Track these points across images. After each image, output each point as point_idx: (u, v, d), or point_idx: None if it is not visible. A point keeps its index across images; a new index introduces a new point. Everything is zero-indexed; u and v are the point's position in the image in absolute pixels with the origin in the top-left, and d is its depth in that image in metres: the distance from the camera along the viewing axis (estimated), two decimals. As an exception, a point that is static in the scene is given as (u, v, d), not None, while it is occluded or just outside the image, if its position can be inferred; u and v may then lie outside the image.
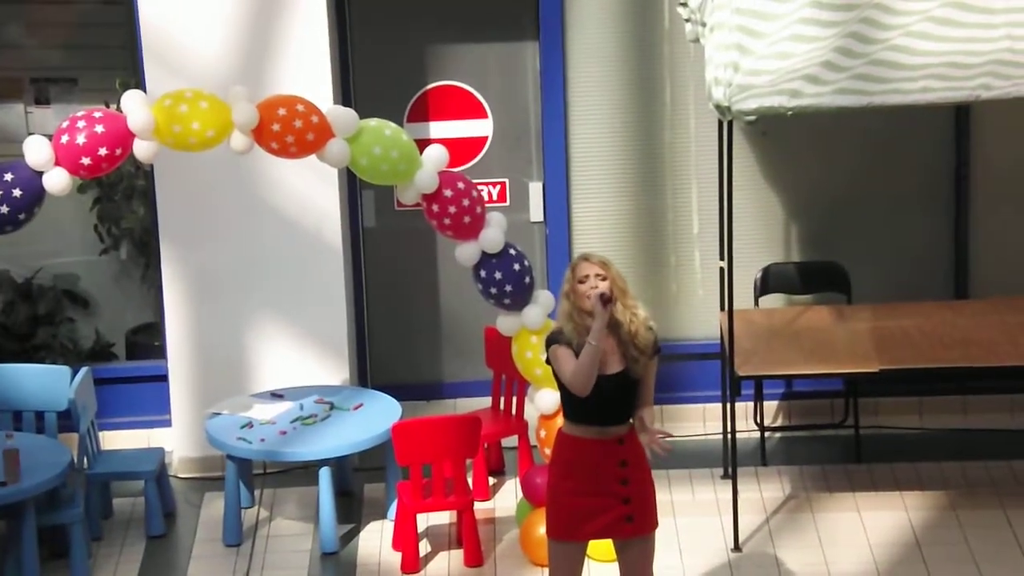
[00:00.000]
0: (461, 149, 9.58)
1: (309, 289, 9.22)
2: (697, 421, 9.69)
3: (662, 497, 7.18)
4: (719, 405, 9.10)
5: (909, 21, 7.91)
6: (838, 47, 7.82)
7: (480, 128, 9.64)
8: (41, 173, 7.64)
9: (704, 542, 8.40)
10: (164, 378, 9.44)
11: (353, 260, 9.58)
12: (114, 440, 9.42)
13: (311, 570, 8.38)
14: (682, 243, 9.72)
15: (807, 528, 8.52)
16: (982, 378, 9.12)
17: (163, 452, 8.99)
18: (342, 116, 7.87)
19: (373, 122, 7.97)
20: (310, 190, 9.13)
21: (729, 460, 8.69)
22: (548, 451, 7.92)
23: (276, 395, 9.01)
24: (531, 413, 8.56)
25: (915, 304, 9.19)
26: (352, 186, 9.54)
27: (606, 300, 6.70)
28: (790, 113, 7.69)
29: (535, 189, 9.70)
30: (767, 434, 9.44)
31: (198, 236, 9.18)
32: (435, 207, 8.04)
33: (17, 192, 7.60)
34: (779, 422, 9.70)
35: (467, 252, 8.12)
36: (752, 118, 7.76)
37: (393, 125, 7.99)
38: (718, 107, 7.79)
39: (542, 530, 7.24)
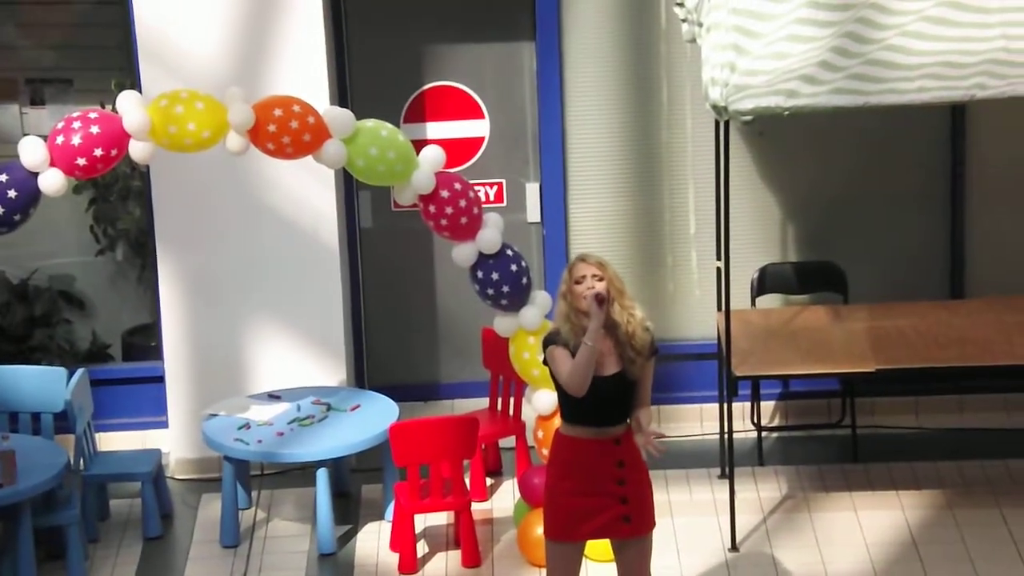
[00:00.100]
0: (458, 150, 9.58)
1: (306, 290, 9.22)
2: (694, 421, 9.69)
3: (659, 497, 7.18)
4: (716, 405, 9.10)
5: (905, 21, 7.91)
6: (834, 47, 7.82)
7: (477, 129, 9.64)
8: (36, 174, 7.63)
9: (701, 542, 8.40)
10: (160, 379, 9.44)
11: (350, 261, 9.58)
12: (111, 441, 9.42)
13: (309, 571, 8.37)
14: (679, 243, 9.72)
15: (804, 528, 8.52)
16: (978, 377, 9.13)
17: (160, 453, 8.99)
18: (338, 117, 7.86)
19: (370, 123, 7.96)
20: (307, 191, 9.13)
21: (726, 460, 8.69)
22: (545, 452, 7.92)
23: (273, 396, 9.01)
24: (528, 414, 8.56)
25: (911, 304, 9.19)
26: (349, 187, 9.54)
27: (601, 300, 6.70)
28: (786, 113, 7.70)
29: (532, 190, 9.70)
30: (764, 434, 9.44)
31: (194, 237, 9.17)
32: (432, 208, 8.03)
33: (12, 193, 7.59)
34: (776, 422, 9.70)
35: (464, 253, 8.11)
36: (749, 118, 7.76)
37: (390, 126, 7.98)
38: (715, 107, 7.79)
39: (540, 530, 7.24)
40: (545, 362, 6.90)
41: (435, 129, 9.61)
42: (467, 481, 8.68)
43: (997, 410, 9.62)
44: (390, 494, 8.67)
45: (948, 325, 8.82)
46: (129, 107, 7.65)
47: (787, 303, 9.61)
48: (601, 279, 6.77)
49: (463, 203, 8.02)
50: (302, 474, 9.08)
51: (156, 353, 9.60)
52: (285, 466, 9.13)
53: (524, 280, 8.16)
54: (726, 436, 8.58)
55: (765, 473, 9.09)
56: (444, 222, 8.03)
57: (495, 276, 8.10)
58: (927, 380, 9.31)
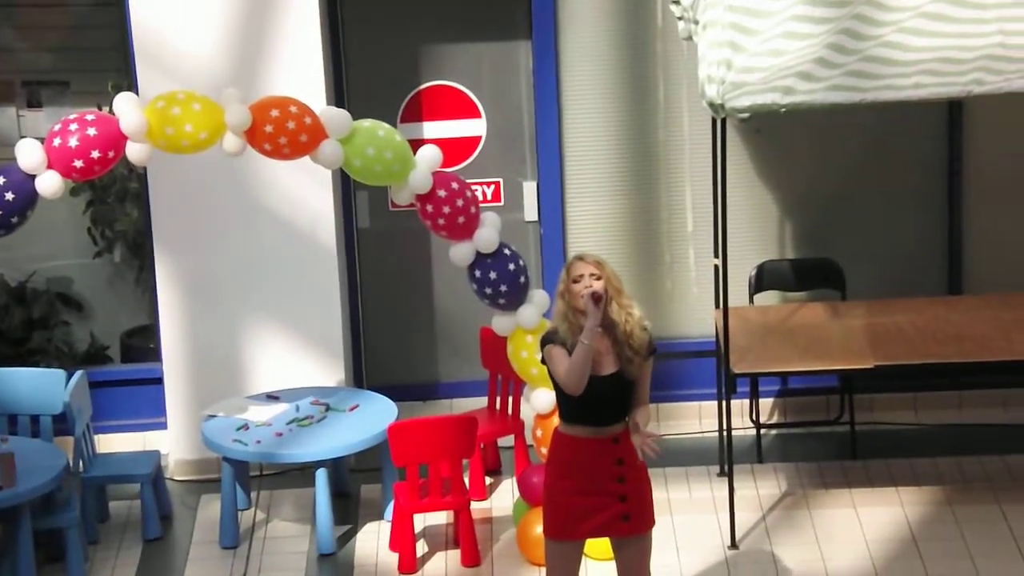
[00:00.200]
0: (455, 149, 9.58)
1: (304, 290, 9.22)
2: (693, 419, 9.70)
3: (658, 495, 7.18)
4: (715, 403, 9.11)
5: (902, 17, 7.91)
6: (831, 44, 7.82)
7: (474, 128, 9.64)
8: (33, 176, 7.62)
9: (701, 540, 8.40)
10: (159, 381, 9.44)
11: (348, 261, 9.58)
12: (110, 443, 9.42)
13: (308, 571, 8.37)
14: (676, 241, 9.72)
15: (803, 525, 8.52)
16: (976, 373, 9.14)
17: (159, 455, 8.99)
18: (335, 117, 7.86)
19: (366, 123, 7.96)
20: (304, 192, 9.12)
21: (725, 457, 8.69)
22: (544, 450, 7.93)
23: (272, 397, 9.01)
24: (527, 413, 8.56)
25: (909, 300, 9.19)
26: (346, 187, 9.54)
27: (598, 299, 6.70)
28: (783, 110, 7.69)
29: (529, 188, 9.70)
30: (763, 431, 9.44)
31: (192, 238, 9.17)
32: (429, 207, 8.03)
33: (9, 195, 7.58)
34: (775, 419, 9.70)
35: (462, 252, 8.11)
36: (746, 115, 7.76)
37: (386, 126, 7.98)
38: (711, 105, 7.79)
39: (539, 529, 7.23)
40: (543, 361, 6.90)
41: (432, 129, 9.61)
42: (466, 480, 8.68)
43: (995, 406, 9.63)
44: (389, 494, 8.67)
45: (946, 321, 8.83)
46: (126, 109, 7.65)
47: (785, 300, 9.61)
48: (599, 278, 6.77)
49: (460, 202, 8.01)
50: (301, 474, 9.08)
51: (155, 354, 9.59)
52: (284, 466, 9.13)
53: (522, 279, 8.16)
54: (725, 434, 8.58)
55: (764, 470, 9.09)
56: (441, 221, 8.03)
57: (493, 275, 8.10)
58: (925, 376, 9.33)
